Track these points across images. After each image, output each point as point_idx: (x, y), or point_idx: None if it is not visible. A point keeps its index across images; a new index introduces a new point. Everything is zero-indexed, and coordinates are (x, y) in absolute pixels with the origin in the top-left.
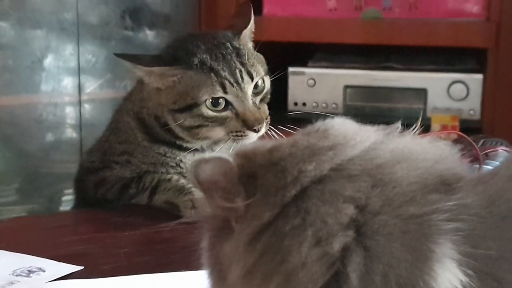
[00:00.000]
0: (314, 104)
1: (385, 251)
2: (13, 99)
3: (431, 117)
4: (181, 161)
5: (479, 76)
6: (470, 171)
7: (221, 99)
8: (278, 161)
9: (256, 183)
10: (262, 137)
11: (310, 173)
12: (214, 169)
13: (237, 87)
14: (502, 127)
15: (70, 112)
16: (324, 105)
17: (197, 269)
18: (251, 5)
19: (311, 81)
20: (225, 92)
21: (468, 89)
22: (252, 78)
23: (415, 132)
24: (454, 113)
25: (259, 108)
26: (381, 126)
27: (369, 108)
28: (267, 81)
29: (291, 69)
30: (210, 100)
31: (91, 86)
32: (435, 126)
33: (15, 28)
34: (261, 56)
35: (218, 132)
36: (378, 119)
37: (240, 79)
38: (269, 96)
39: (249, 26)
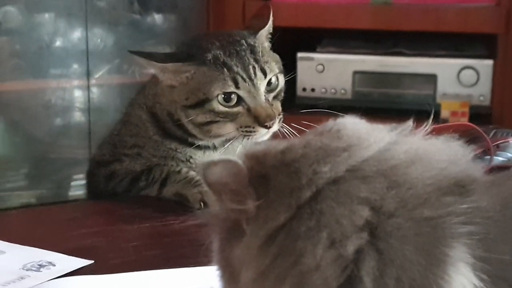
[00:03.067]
0: (323, 90)
1: (399, 254)
2: (21, 84)
3: (441, 104)
4: (191, 157)
5: (489, 62)
6: (483, 172)
7: (233, 95)
8: (292, 162)
9: (268, 185)
10: (274, 134)
11: (325, 175)
12: (223, 171)
13: (249, 83)
14: None
15: (78, 97)
16: (333, 90)
17: (206, 265)
18: (270, 7)
19: (320, 67)
20: (237, 87)
21: (478, 74)
22: (265, 75)
23: (427, 129)
24: (464, 99)
25: (272, 105)
26: (393, 125)
27: (378, 94)
28: (281, 79)
29: (299, 54)
30: (222, 95)
31: (99, 71)
32: (444, 112)
33: (23, 13)
34: (277, 56)
35: (229, 128)
36: (387, 105)
37: (253, 75)
38: (283, 94)
39: (266, 27)
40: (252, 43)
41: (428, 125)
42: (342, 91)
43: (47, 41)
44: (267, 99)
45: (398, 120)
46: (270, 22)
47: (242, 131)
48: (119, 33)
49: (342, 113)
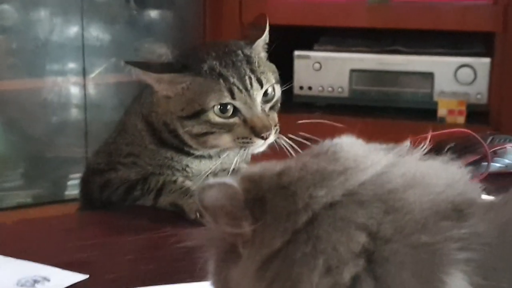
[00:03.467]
0: (320, 88)
1: (396, 281)
2: (17, 83)
3: (438, 102)
4: (187, 166)
5: (487, 60)
6: (481, 194)
7: (229, 106)
8: (288, 185)
9: (265, 208)
10: (271, 146)
11: (322, 199)
12: (218, 194)
13: (245, 94)
14: (509, 111)
15: (75, 96)
16: (330, 89)
17: (202, 280)
18: (267, 16)
19: (317, 65)
20: (233, 98)
21: (475, 73)
22: (261, 85)
23: (424, 149)
24: (461, 97)
25: (268, 115)
26: (390, 145)
27: (375, 92)
28: (278, 90)
29: (296, 52)
30: (218, 106)
31: (96, 69)
32: (442, 110)
33: (19, 11)
34: (273, 66)
35: (226, 139)
36: (384, 103)
37: (249, 86)
38: (279, 104)
39: (263, 37)
40: (249, 53)
41: (426, 145)
42: (339, 89)
43: (43, 39)
44: (263, 110)
45: (395, 118)
46: (267, 32)
47: (239, 142)
48: (115, 31)
49: (339, 111)
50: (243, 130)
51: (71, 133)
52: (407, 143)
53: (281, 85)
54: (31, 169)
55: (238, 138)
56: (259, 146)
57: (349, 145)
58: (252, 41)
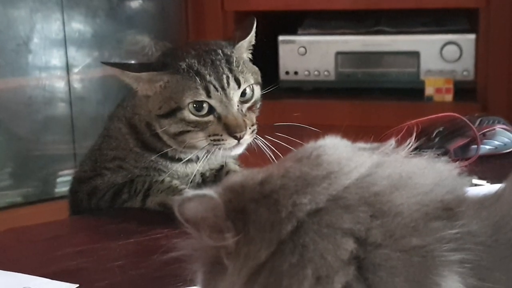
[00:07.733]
0: (306, 72)
1: (388, 286)
2: (1, 83)
3: (425, 80)
4: (172, 169)
5: (472, 36)
6: (470, 190)
7: (204, 104)
8: (270, 193)
9: (247, 219)
10: (248, 147)
11: (306, 207)
12: (199, 206)
13: (222, 92)
14: (496, 87)
15: (59, 92)
16: (316, 73)
17: (195, 284)
18: (255, 20)
19: (302, 49)
20: (208, 96)
21: (461, 50)
22: (239, 85)
23: (409, 147)
24: (448, 75)
25: (245, 115)
26: (375, 144)
27: (362, 73)
28: (257, 91)
29: (281, 37)
30: (193, 104)
31: (79, 63)
32: (429, 89)
33: None
34: (256, 68)
35: (200, 138)
36: (371, 84)
37: (226, 85)
38: (258, 105)
39: (247, 38)
40: (229, 53)
41: (411, 143)
42: (326, 72)
43: (24, 37)
44: (240, 110)
45: (383, 99)
46: (253, 33)
47: (211, 140)
48: (97, 24)
49: (326, 94)
50: (216, 127)
51: (57, 129)
52: (391, 142)
53: (268, 72)
54: (20, 168)
55: (210, 136)
56: (232, 146)
57: (333, 148)
58: (235, 42)
